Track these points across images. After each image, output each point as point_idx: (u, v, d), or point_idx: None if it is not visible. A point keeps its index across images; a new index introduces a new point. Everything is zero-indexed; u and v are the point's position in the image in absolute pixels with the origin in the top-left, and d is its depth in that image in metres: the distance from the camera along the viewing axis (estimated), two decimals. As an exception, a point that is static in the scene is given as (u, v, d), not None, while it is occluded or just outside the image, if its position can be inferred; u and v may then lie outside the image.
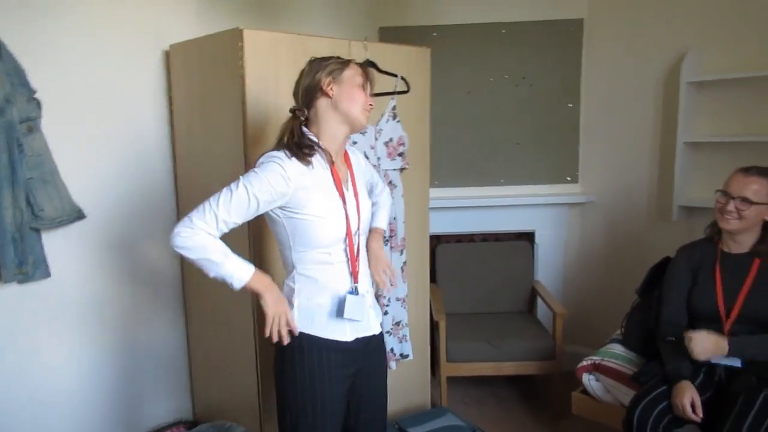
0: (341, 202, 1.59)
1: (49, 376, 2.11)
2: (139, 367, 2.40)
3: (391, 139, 2.40)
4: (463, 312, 3.45)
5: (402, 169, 2.48)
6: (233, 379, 2.31)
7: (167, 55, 2.35)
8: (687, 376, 1.98)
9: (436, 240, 3.55)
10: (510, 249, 3.55)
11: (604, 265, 3.51)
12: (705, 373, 2.05)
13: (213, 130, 2.18)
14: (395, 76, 2.36)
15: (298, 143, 1.54)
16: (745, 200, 1.96)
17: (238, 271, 1.50)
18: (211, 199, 1.49)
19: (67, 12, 2.05)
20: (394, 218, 2.46)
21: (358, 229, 1.64)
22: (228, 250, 1.49)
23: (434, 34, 3.43)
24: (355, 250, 1.63)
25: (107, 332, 2.27)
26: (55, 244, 2.06)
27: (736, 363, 1.98)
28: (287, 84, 2.08)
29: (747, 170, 2.02)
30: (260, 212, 1.52)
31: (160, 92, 2.37)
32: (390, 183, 2.44)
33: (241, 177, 1.50)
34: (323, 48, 2.18)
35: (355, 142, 2.26)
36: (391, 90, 2.38)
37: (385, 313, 2.48)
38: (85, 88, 2.12)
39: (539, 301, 3.47)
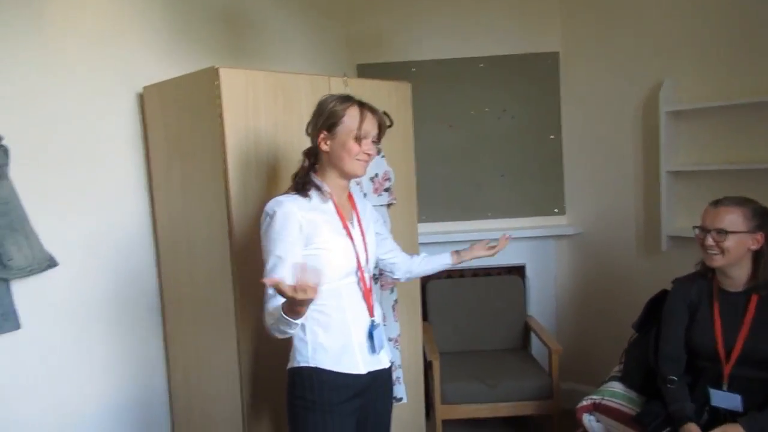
0: (348, 238, 1.64)
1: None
2: (117, 423, 2.25)
3: (376, 175, 2.35)
4: (455, 350, 3.35)
5: (389, 205, 2.42)
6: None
7: (141, 97, 2.29)
8: (692, 417, 1.91)
9: (426, 276, 3.47)
10: (501, 284, 3.48)
11: (597, 298, 3.45)
12: (708, 413, 1.98)
13: (192, 171, 2.11)
14: (377, 111, 2.32)
15: (302, 183, 1.65)
16: (721, 231, 1.91)
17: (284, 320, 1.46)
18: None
19: (34, 54, 1.98)
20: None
21: (367, 263, 1.70)
22: (273, 316, 1.48)
23: (413, 69, 3.44)
24: (368, 283, 1.69)
25: (85, 381, 2.13)
26: (26, 294, 1.93)
27: (738, 407, 1.91)
28: (266, 122, 2.05)
29: (717, 202, 1.99)
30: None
31: (135, 135, 2.29)
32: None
33: (269, 243, 1.56)
34: (302, 85, 2.15)
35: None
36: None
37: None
38: (54, 134, 2.03)
39: (533, 336, 3.38)
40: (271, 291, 1.50)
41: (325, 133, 1.62)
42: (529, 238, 3.48)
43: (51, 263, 1.99)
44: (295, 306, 1.38)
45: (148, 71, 2.30)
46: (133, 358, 2.30)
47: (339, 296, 1.62)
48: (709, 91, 2.87)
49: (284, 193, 1.66)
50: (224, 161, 1.93)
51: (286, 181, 1.92)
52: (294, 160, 1.85)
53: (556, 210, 3.54)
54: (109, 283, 2.21)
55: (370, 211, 1.85)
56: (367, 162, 1.65)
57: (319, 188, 1.64)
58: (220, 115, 1.91)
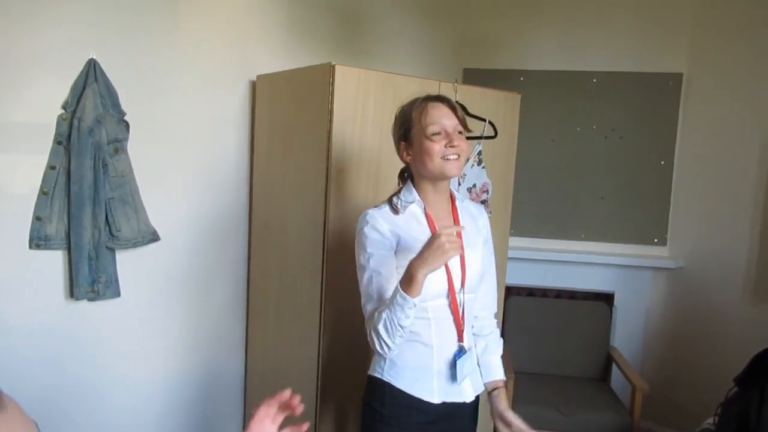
0: None
1: (109, 393, 2.09)
2: (195, 392, 2.34)
3: (474, 185, 2.29)
4: (530, 371, 3.23)
5: (482, 218, 2.35)
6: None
7: (253, 85, 2.35)
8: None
9: (506, 291, 3.37)
10: (586, 309, 3.31)
11: (692, 340, 3.21)
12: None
13: (294, 161, 2.14)
14: (483, 120, 2.26)
15: (392, 196, 1.55)
16: None
17: (401, 297, 1.36)
18: (362, 295, 1.48)
19: (159, 38, 2.08)
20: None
21: (463, 286, 1.50)
22: (388, 304, 1.39)
23: (521, 78, 3.33)
24: (460, 309, 1.50)
25: (168, 354, 2.24)
26: (128, 265, 2.05)
27: None
28: (373, 121, 2.04)
29: None
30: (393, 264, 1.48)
31: (244, 120, 2.36)
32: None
33: (361, 257, 1.48)
34: (412, 87, 2.11)
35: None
36: (478, 134, 2.27)
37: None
38: (171, 114, 2.13)
39: (614, 369, 3.20)
40: (370, 306, 1.45)
41: (404, 143, 1.51)
42: (623, 266, 3.30)
43: (154, 237, 2.09)
44: (425, 265, 1.29)
45: (263, 61, 2.36)
46: (217, 335, 2.38)
47: (426, 317, 1.47)
48: None
49: (375, 206, 1.55)
50: (327, 158, 1.94)
51: (386, 184, 1.91)
52: (396, 165, 1.82)
53: (656, 240, 3.33)
54: (203, 263, 2.29)
55: (482, 225, 1.66)
56: (457, 158, 1.45)
57: (409, 201, 1.51)
58: (331, 111, 1.92)
